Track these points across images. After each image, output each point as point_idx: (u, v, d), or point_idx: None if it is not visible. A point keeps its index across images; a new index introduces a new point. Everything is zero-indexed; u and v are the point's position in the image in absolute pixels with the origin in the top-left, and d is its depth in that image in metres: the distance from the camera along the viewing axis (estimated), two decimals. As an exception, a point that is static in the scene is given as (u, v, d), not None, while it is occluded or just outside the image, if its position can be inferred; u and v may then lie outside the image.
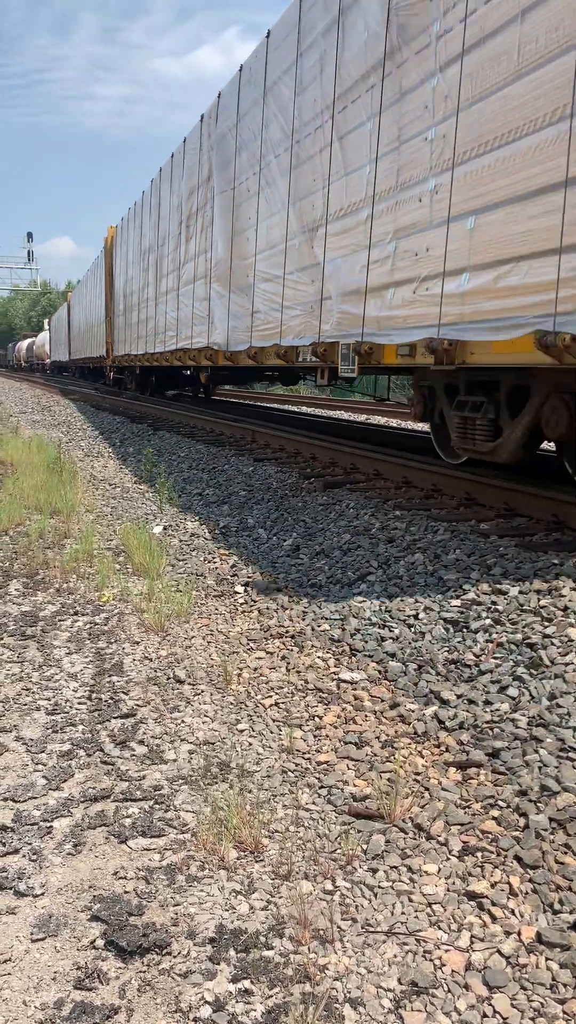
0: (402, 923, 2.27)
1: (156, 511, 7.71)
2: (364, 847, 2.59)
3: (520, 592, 4.13)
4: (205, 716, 3.54)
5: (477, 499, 6.09)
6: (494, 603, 4.09)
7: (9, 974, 2.08)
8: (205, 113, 12.70)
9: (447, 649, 3.81)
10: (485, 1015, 1.97)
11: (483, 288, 5.22)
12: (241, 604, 4.96)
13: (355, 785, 2.94)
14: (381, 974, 2.09)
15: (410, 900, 2.36)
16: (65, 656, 4.19)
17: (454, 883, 2.41)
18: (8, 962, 2.12)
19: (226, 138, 11.34)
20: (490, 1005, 1.99)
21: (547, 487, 5.77)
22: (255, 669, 4.02)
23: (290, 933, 2.22)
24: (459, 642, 3.84)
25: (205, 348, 12.73)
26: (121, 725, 3.43)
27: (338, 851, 2.56)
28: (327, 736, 3.30)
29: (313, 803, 2.85)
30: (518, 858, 2.46)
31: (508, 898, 2.33)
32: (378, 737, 3.24)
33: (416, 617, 4.21)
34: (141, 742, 3.29)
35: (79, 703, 3.64)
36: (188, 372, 19.49)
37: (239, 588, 5.20)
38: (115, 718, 3.49)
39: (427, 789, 2.85)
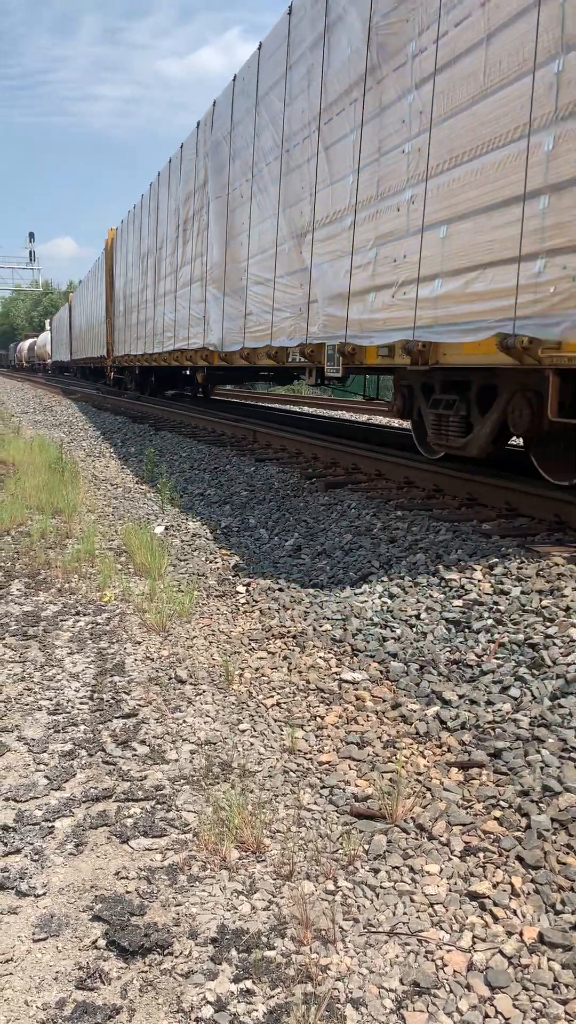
0: (404, 923, 2.27)
1: (158, 511, 7.71)
2: (366, 847, 2.59)
3: (522, 592, 4.12)
4: (207, 716, 3.53)
5: (479, 499, 6.09)
6: (496, 603, 4.09)
7: (11, 974, 2.08)
8: (201, 120, 13.00)
9: (449, 649, 3.81)
10: (487, 1015, 1.97)
11: (454, 293, 5.56)
12: (243, 604, 4.95)
13: (357, 785, 2.94)
14: (383, 974, 2.09)
15: (412, 900, 2.35)
16: (67, 656, 4.19)
17: (456, 883, 2.41)
18: (10, 962, 2.12)
19: (220, 145, 11.70)
20: (492, 1005, 1.99)
21: (549, 488, 5.77)
22: (257, 669, 4.02)
23: (292, 933, 2.22)
24: (461, 642, 3.84)
25: (201, 349, 13.04)
26: (123, 725, 3.43)
27: (340, 851, 2.56)
28: (329, 736, 3.30)
29: (315, 803, 2.85)
30: (520, 858, 2.46)
31: (510, 898, 2.32)
32: (380, 737, 3.24)
33: (418, 617, 4.21)
34: (143, 742, 3.29)
35: (81, 703, 3.64)
36: (187, 372, 19.68)
37: (241, 588, 5.20)
38: (117, 718, 3.49)
39: (429, 789, 2.85)
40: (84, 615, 4.82)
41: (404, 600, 4.46)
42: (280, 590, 5.03)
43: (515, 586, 4.22)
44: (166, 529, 6.98)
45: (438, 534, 5.31)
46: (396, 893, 2.39)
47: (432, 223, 5.86)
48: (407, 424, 8.71)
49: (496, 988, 2.03)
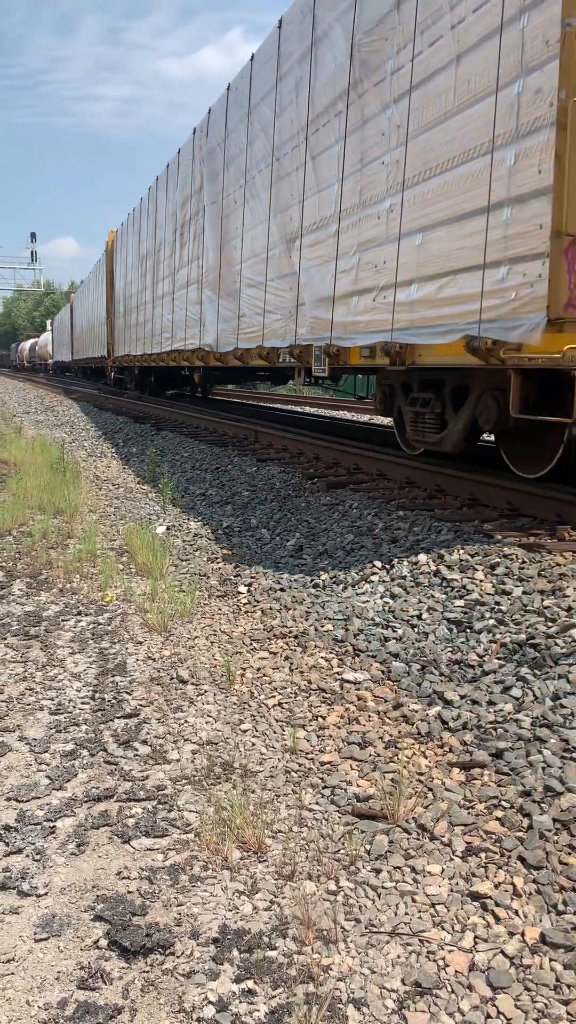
0: (406, 924, 2.26)
1: (159, 511, 7.71)
2: (367, 847, 2.59)
3: (524, 592, 4.12)
4: (208, 716, 3.53)
5: (480, 499, 6.09)
6: (498, 603, 4.09)
7: (12, 974, 2.08)
8: (197, 127, 13.36)
9: (450, 649, 3.81)
10: (489, 1016, 1.97)
11: (428, 298, 5.92)
12: (244, 604, 4.95)
13: (358, 785, 2.94)
14: (385, 975, 2.09)
15: (414, 901, 2.35)
16: (68, 656, 4.19)
17: (458, 884, 2.41)
18: (12, 962, 2.12)
19: (215, 152, 12.07)
20: (494, 1006, 1.99)
21: (550, 488, 5.77)
22: (258, 669, 4.02)
23: (293, 933, 2.22)
24: (463, 642, 3.84)
25: (197, 349, 13.39)
26: (124, 725, 3.43)
27: (341, 851, 2.56)
28: (330, 736, 3.30)
29: (316, 803, 2.85)
30: (522, 859, 2.45)
31: (512, 899, 2.32)
32: (381, 737, 3.23)
33: (419, 617, 4.21)
34: (144, 742, 3.29)
35: (82, 703, 3.64)
36: (185, 372, 19.89)
37: (242, 588, 5.20)
38: (118, 718, 3.49)
39: (431, 790, 2.85)
40: (86, 615, 4.82)
41: (406, 600, 4.46)
42: (282, 590, 5.03)
43: (517, 586, 4.21)
44: (168, 529, 6.98)
45: (440, 534, 5.31)
46: (398, 893, 2.38)
47: (408, 231, 6.21)
48: (389, 421, 9.05)
49: (498, 988, 2.03)
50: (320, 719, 3.44)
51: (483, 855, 2.50)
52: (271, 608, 4.77)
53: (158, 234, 16.92)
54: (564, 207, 4.71)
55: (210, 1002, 1.99)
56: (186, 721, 3.48)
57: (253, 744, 3.29)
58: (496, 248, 5.12)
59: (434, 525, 5.51)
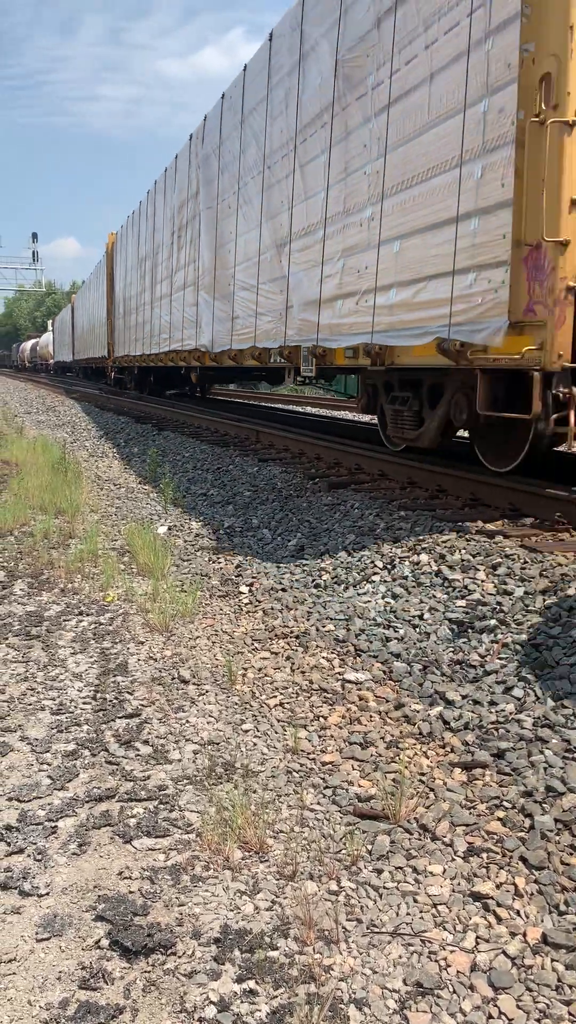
0: (407, 924, 2.26)
1: (161, 511, 7.71)
2: (369, 848, 2.59)
3: (525, 592, 4.12)
4: (210, 716, 3.53)
5: (482, 499, 6.09)
6: (499, 604, 4.08)
7: (14, 974, 2.08)
8: (193, 133, 13.73)
9: (452, 649, 3.81)
10: (490, 1016, 1.96)
11: (405, 302, 6.27)
12: (246, 604, 4.95)
13: (360, 786, 2.94)
14: (386, 975, 2.09)
15: (415, 901, 2.35)
16: (70, 656, 4.19)
17: (459, 884, 2.41)
18: (13, 962, 2.12)
19: (210, 158, 12.47)
20: (495, 1006, 1.98)
21: (551, 487, 5.77)
22: (260, 669, 4.02)
23: (295, 933, 2.22)
24: (464, 643, 3.84)
25: (194, 350, 13.80)
26: (126, 725, 3.43)
27: (343, 852, 2.56)
28: (332, 736, 3.29)
29: (318, 803, 2.85)
30: (523, 859, 2.45)
31: (513, 899, 2.32)
32: (383, 737, 3.23)
33: (421, 617, 4.21)
34: (146, 742, 3.29)
35: (84, 703, 3.64)
36: (183, 372, 20.18)
37: (244, 588, 5.20)
38: (120, 718, 3.49)
39: (432, 790, 2.85)
40: (87, 615, 4.82)
41: (407, 600, 4.45)
42: (283, 590, 5.03)
43: (518, 586, 4.21)
44: (169, 529, 6.98)
45: (441, 534, 5.30)
46: (399, 894, 2.38)
47: (387, 238, 6.55)
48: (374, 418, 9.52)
49: (499, 989, 2.03)
50: (322, 719, 3.44)
51: (485, 855, 2.50)
52: (273, 608, 4.77)
53: (156, 237, 17.30)
54: (523, 219, 5.03)
55: (211, 1002, 1.99)
56: (188, 721, 3.48)
57: (255, 744, 3.29)
58: (465, 256, 5.44)
59: (436, 525, 5.50)
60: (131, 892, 2.39)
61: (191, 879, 2.44)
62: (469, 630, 3.94)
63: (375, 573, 4.97)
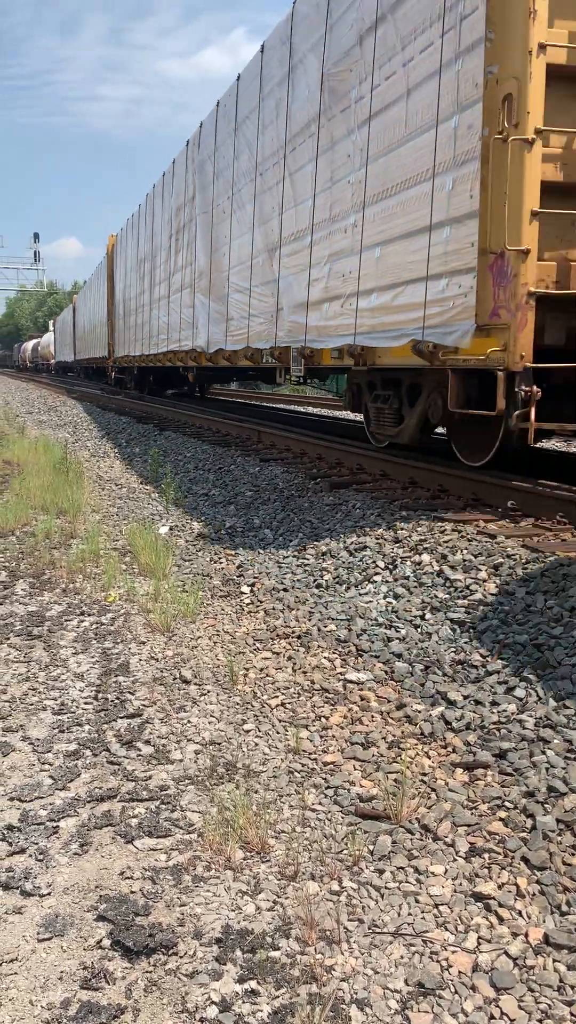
0: (409, 924, 2.26)
1: (162, 511, 7.71)
2: (371, 848, 2.58)
3: (527, 593, 4.12)
4: (211, 716, 3.53)
5: (484, 499, 6.09)
6: (501, 604, 4.08)
7: (16, 973, 2.08)
8: (190, 139, 14.12)
9: (454, 650, 3.81)
10: (492, 1017, 1.96)
11: (385, 305, 6.64)
12: (247, 604, 4.95)
13: (361, 786, 2.94)
14: (388, 975, 2.09)
15: (417, 901, 2.35)
16: (71, 656, 4.19)
17: (461, 884, 2.41)
18: (15, 961, 2.12)
19: (206, 164, 12.88)
20: (497, 1007, 1.98)
21: (554, 487, 5.77)
22: (261, 669, 4.02)
23: (296, 934, 2.22)
24: (466, 643, 3.84)
25: (191, 350, 14.22)
26: (127, 725, 3.43)
27: (345, 852, 2.56)
28: (333, 736, 3.29)
29: (319, 803, 2.85)
30: (525, 859, 2.45)
31: (515, 899, 2.32)
32: (384, 738, 3.23)
33: (422, 617, 4.21)
34: (147, 742, 3.29)
35: (85, 703, 3.64)
36: (181, 372, 20.49)
37: (245, 588, 5.20)
38: (121, 718, 3.49)
39: (434, 790, 2.85)
40: (88, 615, 4.82)
41: (409, 600, 4.45)
42: (285, 590, 5.03)
43: (520, 586, 4.21)
44: (170, 529, 6.99)
45: (443, 534, 5.30)
46: (401, 894, 2.38)
47: (369, 245, 6.90)
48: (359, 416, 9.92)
49: (501, 989, 2.03)
50: (323, 719, 3.44)
51: (486, 856, 2.50)
52: (274, 608, 4.77)
53: (155, 239, 17.69)
54: (488, 228, 5.38)
55: (213, 1002, 1.99)
56: (189, 721, 3.48)
57: (256, 744, 3.29)
58: (438, 263, 5.80)
59: (437, 525, 5.50)
60: (133, 892, 2.39)
61: (193, 879, 2.44)
62: (471, 630, 3.94)
63: (376, 573, 4.97)
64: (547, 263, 5.50)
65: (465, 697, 3.39)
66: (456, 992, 2.03)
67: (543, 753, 2.87)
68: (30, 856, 2.56)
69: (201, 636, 4.50)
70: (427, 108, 5.92)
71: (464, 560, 4.68)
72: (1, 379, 45.14)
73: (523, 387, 5.34)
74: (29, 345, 69.19)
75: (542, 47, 5.18)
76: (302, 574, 5.32)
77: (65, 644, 4.35)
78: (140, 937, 2.18)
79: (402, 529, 5.44)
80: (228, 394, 28.45)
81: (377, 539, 5.41)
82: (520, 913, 2.27)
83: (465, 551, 4.78)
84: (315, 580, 5.15)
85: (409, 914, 2.30)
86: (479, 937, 2.20)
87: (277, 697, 3.69)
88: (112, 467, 10.93)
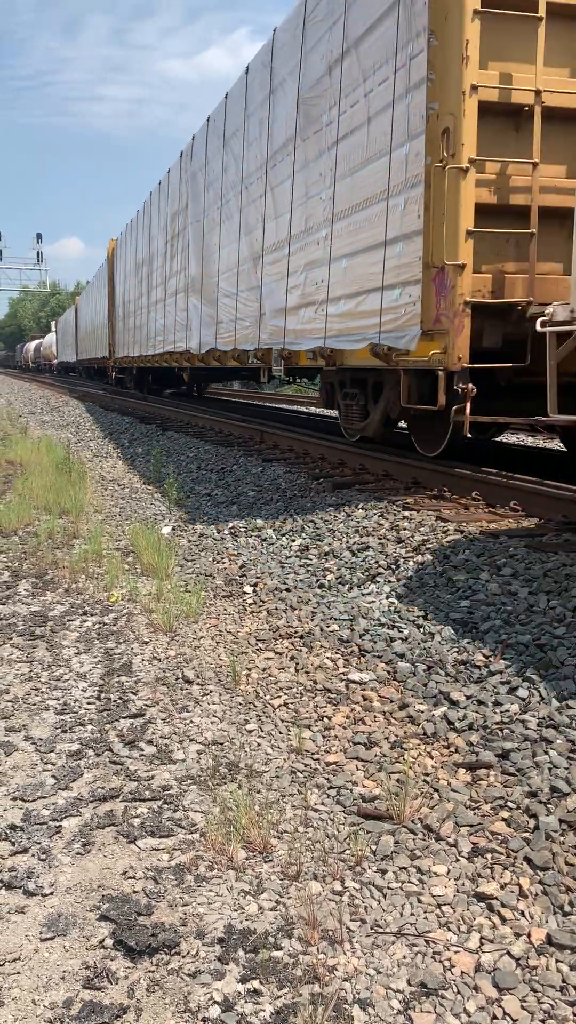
0: (411, 924, 2.26)
1: (165, 511, 7.71)
2: (373, 848, 2.58)
3: (530, 593, 4.11)
4: (214, 716, 3.53)
5: (485, 499, 6.09)
6: (504, 604, 4.08)
7: (18, 973, 2.09)
8: (184, 150, 14.79)
9: (456, 650, 3.80)
10: (495, 1017, 1.96)
11: (350, 311, 7.38)
12: (250, 604, 4.95)
13: (364, 786, 2.93)
14: (390, 975, 2.09)
15: (419, 901, 2.35)
16: (74, 656, 4.19)
17: (464, 884, 2.40)
18: (17, 961, 2.13)
19: (198, 175, 13.61)
20: (500, 1007, 1.98)
21: (558, 489, 5.77)
22: (264, 669, 4.01)
23: (299, 934, 2.22)
24: (468, 643, 3.83)
25: (185, 351, 14.94)
26: (130, 725, 3.43)
27: (347, 852, 2.56)
28: (336, 737, 3.29)
29: (322, 804, 2.85)
30: (528, 859, 2.45)
31: (518, 900, 2.32)
32: (387, 738, 3.23)
33: (425, 617, 4.20)
34: (150, 742, 3.29)
35: (88, 703, 3.64)
36: (177, 372, 20.82)
37: (248, 588, 5.20)
38: (124, 718, 3.49)
39: (436, 790, 2.85)
40: (91, 615, 4.82)
41: (411, 600, 4.45)
42: (287, 590, 5.03)
43: (523, 587, 4.21)
44: (173, 529, 6.99)
45: (446, 534, 5.30)
46: (403, 894, 2.38)
47: (337, 256, 7.62)
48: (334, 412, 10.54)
49: (504, 989, 2.03)
50: (326, 719, 3.44)
51: (489, 856, 2.49)
52: (277, 608, 4.77)
53: (152, 244, 18.36)
54: (431, 245, 6.10)
55: (215, 1002, 1.99)
56: (191, 721, 3.48)
57: (259, 744, 3.28)
58: (392, 274, 6.47)
59: (440, 525, 5.50)
60: (135, 892, 2.39)
61: (195, 879, 2.44)
62: (473, 630, 3.93)
63: (379, 573, 4.97)
64: (483, 275, 6.18)
65: (468, 697, 3.39)
66: (459, 992, 2.03)
67: (546, 753, 2.87)
68: (33, 856, 2.56)
69: (204, 636, 4.50)
70: (384, 135, 6.57)
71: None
72: (4, 379, 45.21)
73: (460, 384, 6.02)
74: (32, 345, 69.30)
75: (474, 87, 5.90)
76: (304, 574, 5.32)
77: (68, 644, 4.35)
78: (142, 937, 2.18)
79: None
80: (230, 394, 28.46)
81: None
82: (523, 913, 2.27)
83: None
84: (317, 580, 5.15)
85: (412, 914, 2.30)
86: (482, 937, 2.20)
87: (280, 697, 3.69)
88: (115, 467, 10.94)
